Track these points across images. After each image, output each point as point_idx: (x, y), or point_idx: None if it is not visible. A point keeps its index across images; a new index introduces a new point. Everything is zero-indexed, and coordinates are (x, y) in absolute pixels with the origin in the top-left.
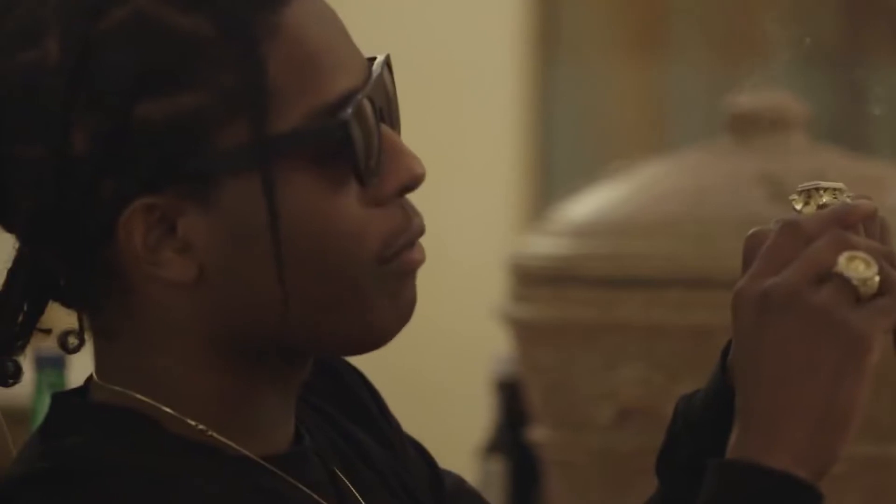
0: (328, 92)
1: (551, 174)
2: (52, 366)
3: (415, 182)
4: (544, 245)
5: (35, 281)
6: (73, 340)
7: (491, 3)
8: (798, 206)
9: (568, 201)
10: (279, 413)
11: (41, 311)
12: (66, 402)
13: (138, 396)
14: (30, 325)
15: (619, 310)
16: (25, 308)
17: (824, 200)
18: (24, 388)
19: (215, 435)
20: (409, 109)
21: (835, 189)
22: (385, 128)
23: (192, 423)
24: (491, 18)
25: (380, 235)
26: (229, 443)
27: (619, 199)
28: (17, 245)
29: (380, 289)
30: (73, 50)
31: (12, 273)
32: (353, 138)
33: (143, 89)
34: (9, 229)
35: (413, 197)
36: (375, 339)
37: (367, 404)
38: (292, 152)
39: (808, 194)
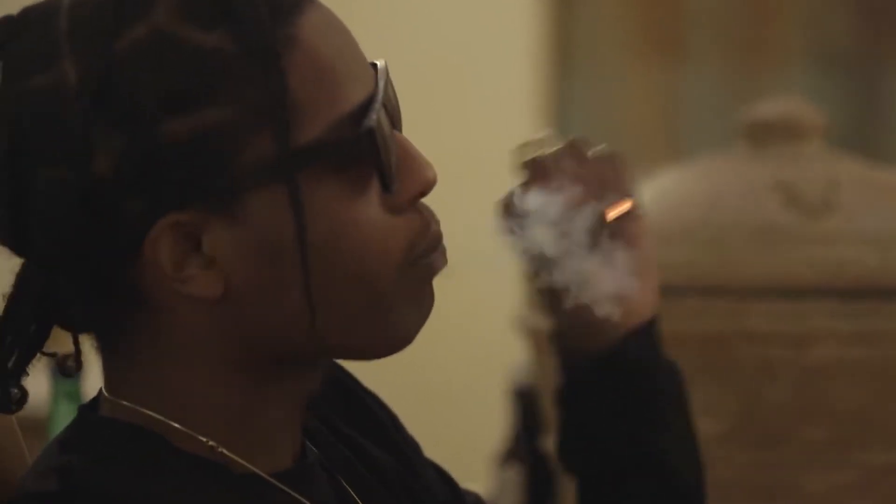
0: (346, 101)
1: None
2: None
3: (429, 188)
4: None
5: (41, 306)
6: (71, 363)
7: (506, 10)
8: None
9: None
10: (287, 427)
11: (46, 336)
12: (84, 416)
13: (147, 412)
14: (35, 349)
15: None
16: (31, 332)
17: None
18: (41, 398)
19: (224, 451)
20: (424, 116)
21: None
22: (398, 134)
23: (203, 439)
24: (507, 26)
25: (403, 241)
26: (237, 458)
27: None
28: (16, 271)
29: (402, 294)
30: (92, 73)
31: (16, 299)
32: (378, 145)
33: (167, 108)
34: (22, 254)
35: (430, 205)
36: (398, 343)
37: (383, 423)
38: (317, 163)
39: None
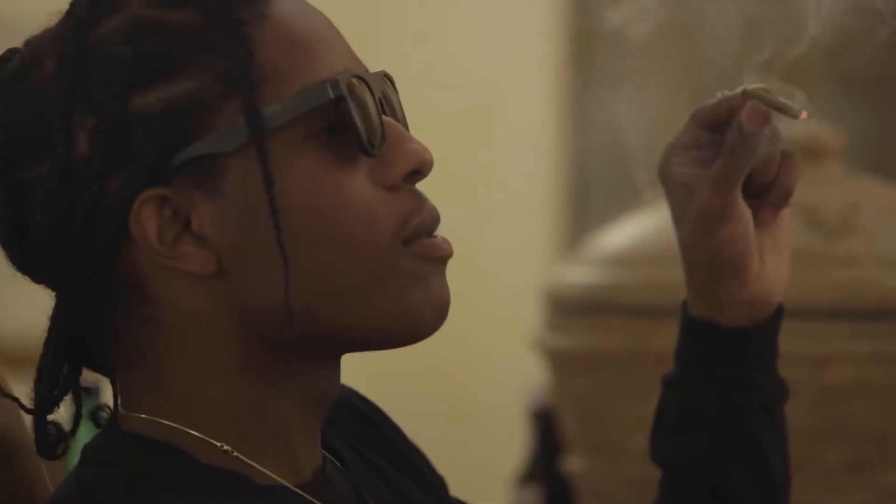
0: (321, 70)
1: (586, 203)
2: (89, 394)
3: (423, 166)
4: (579, 274)
5: (69, 347)
6: (103, 413)
7: (525, 29)
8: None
9: (603, 230)
10: (304, 435)
11: (79, 374)
12: (106, 431)
13: (163, 422)
14: (68, 387)
15: (653, 339)
16: (63, 372)
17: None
18: (62, 419)
19: (242, 457)
20: (444, 138)
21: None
22: (388, 118)
23: (218, 444)
24: (526, 45)
25: (394, 215)
26: (256, 465)
27: (653, 228)
28: (49, 317)
29: (407, 272)
30: (68, 60)
31: (46, 343)
32: (347, 99)
33: (137, 82)
34: (33, 276)
35: (450, 225)
36: (412, 328)
37: (412, 458)
38: (289, 126)
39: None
